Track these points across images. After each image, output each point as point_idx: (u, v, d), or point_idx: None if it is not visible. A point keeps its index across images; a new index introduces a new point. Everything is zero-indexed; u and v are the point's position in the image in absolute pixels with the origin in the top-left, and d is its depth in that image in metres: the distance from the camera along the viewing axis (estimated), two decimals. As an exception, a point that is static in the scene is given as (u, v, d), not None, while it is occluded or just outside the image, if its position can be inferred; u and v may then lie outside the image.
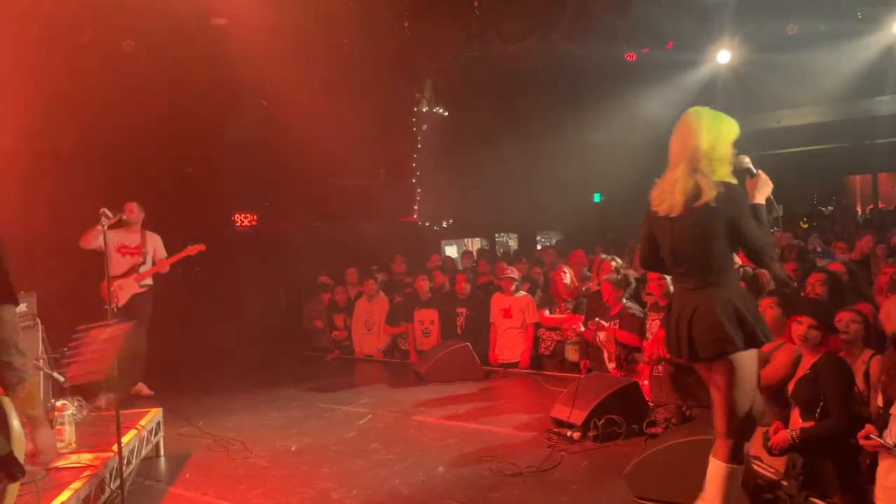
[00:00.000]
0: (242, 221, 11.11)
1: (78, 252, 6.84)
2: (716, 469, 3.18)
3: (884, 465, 3.37)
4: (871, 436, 3.39)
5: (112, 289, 6.77)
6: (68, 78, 7.66)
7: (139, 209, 7.29)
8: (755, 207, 3.20)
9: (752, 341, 3.08)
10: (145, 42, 8.31)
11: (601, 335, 6.27)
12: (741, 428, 3.16)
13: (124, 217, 6.74)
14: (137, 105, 8.23)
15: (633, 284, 6.50)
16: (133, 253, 7.22)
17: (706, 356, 3.12)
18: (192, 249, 7.28)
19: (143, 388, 7.21)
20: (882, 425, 3.39)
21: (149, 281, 7.31)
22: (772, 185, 3.29)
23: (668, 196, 3.14)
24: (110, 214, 4.12)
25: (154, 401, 6.61)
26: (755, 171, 3.30)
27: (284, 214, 11.02)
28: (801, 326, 3.93)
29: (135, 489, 4.48)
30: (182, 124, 8.80)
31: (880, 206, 17.62)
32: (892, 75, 12.00)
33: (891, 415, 3.35)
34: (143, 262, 7.28)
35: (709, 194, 3.04)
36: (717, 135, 3.12)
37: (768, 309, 4.37)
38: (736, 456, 3.15)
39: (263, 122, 9.99)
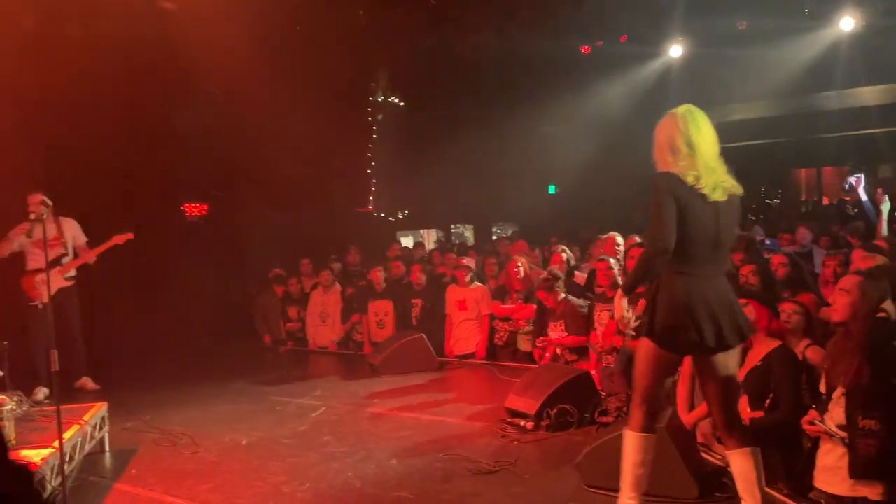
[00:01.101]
0: (193, 211, 10.86)
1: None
2: (748, 457, 3.22)
3: (824, 448, 3.47)
4: (815, 421, 3.49)
5: (35, 283, 6.56)
6: (7, 62, 7.37)
7: (44, 199, 6.92)
8: None
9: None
10: (90, 26, 8.04)
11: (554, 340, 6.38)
12: None
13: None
14: (81, 92, 7.96)
15: (562, 276, 6.59)
16: (52, 245, 6.74)
17: (733, 344, 3.22)
18: (120, 238, 6.82)
19: (87, 383, 7.01)
20: (824, 410, 3.49)
21: (73, 273, 6.96)
22: None
23: (721, 182, 3.21)
24: (50, 203, 3.98)
25: (99, 395, 6.46)
26: None
27: (236, 204, 10.82)
28: None
29: (78, 486, 4.35)
30: (129, 112, 8.55)
31: (824, 200, 18.15)
32: (838, 71, 12.32)
33: (832, 399, 3.45)
34: (66, 254, 6.91)
35: (738, 187, 3.30)
36: None
37: None
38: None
39: (214, 109, 9.78)
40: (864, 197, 8.18)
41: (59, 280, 6.80)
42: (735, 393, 3.31)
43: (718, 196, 3.19)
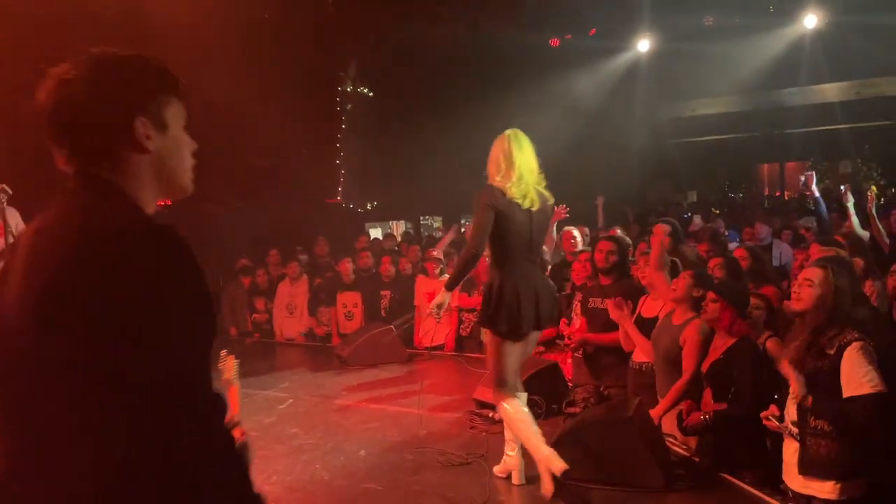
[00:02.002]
0: (156, 201, 10.68)
1: None
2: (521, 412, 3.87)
3: (785, 442, 3.54)
4: (770, 417, 3.56)
5: None
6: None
7: (4, 187, 6.75)
8: None
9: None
10: (50, 8, 7.84)
11: None
12: None
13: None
14: (39, 74, 7.75)
15: None
16: None
17: (545, 326, 4.09)
18: None
19: None
20: (783, 405, 3.56)
21: None
22: None
23: (530, 193, 3.83)
24: (10, 191, 3.89)
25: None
26: None
27: (201, 194, 10.63)
28: (706, 301, 4.10)
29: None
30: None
31: (787, 194, 18.50)
32: (801, 68, 12.55)
33: (789, 394, 3.50)
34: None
35: (551, 198, 3.99)
36: None
37: (682, 279, 4.53)
38: None
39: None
40: (816, 193, 8.40)
41: None
42: (521, 361, 4.09)
43: (531, 205, 3.82)
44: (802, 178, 7.64)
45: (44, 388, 1.24)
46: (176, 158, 1.56)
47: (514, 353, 3.90)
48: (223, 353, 2.99)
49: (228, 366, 2.98)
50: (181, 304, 1.31)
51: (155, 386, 1.24)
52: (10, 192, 3.92)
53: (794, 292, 3.54)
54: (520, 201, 3.79)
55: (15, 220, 6.81)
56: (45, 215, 1.39)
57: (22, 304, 1.27)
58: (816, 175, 7.79)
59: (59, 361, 1.23)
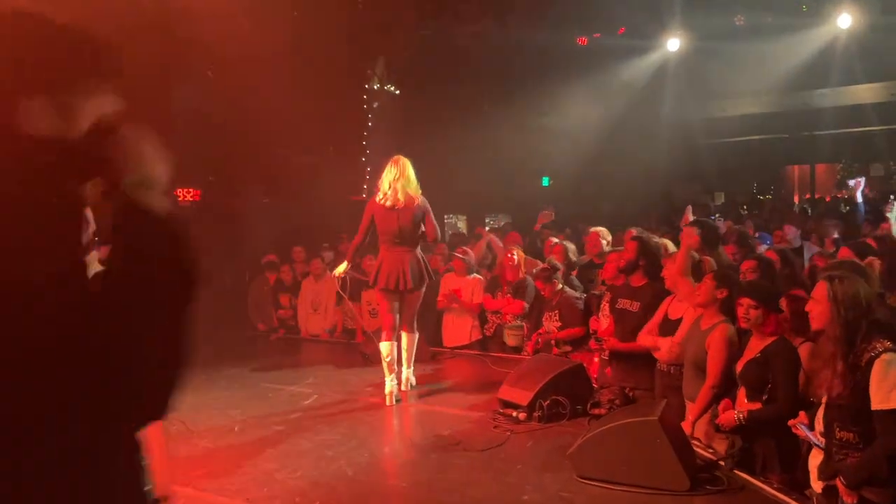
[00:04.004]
0: (185, 196, 10.78)
1: None
2: (411, 340, 6.00)
3: (814, 449, 3.50)
4: (799, 426, 3.51)
5: None
6: None
7: None
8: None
9: (427, 281, 5.93)
10: (86, 7, 7.94)
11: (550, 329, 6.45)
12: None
13: None
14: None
15: (561, 268, 6.62)
16: None
17: (415, 288, 5.78)
18: None
19: None
20: (814, 414, 3.51)
21: None
22: None
23: (396, 197, 5.67)
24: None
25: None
26: None
27: (229, 190, 10.75)
28: (742, 308, 4.04)
29: (69, 470, 4.33)
30: (121, 92, 8.46)
31: (816, 195, 18.21)
32: (833, 69, 12.34)
33: (821, 404, 3.45)
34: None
35: (418, 200, 5.74)
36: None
37: (704, 283, 4.50)
38: (415, 328, 6.05)
39: (208, 93, 9.70)
40: (860, 199, 8.27)
41: None
42: (410, 312, 5.94)
43: (391, 205, 5.67)
44: (852, 183, 7.72)
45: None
46: None
47: (387, 301, 5.82)
48: None
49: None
50: None
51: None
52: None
53: (808, 310, 3.49)
54: (388, 205, 5.68)
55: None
56: None
57: None
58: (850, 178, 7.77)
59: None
